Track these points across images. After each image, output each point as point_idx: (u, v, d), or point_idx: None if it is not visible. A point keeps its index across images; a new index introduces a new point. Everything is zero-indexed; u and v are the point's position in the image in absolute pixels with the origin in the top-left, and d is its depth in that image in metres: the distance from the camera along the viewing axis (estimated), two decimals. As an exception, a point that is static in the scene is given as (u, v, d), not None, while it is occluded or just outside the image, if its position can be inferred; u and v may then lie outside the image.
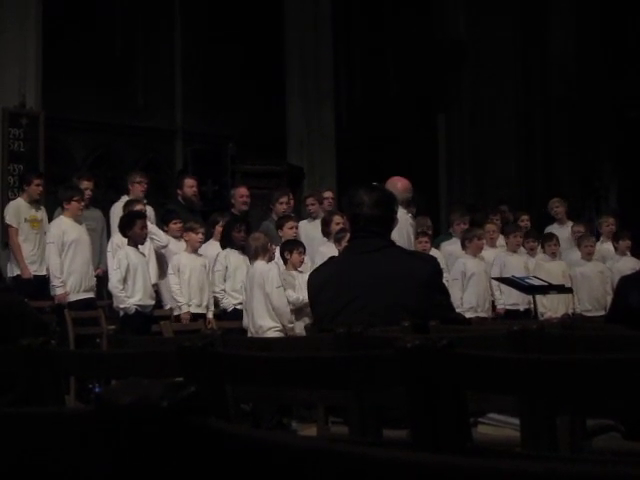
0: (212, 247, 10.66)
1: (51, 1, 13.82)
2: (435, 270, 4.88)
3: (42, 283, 10.55)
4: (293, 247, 9.81)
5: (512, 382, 2.33)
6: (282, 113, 17.43)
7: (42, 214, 11.01)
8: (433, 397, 2.25)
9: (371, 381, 2.77)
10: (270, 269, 9.19)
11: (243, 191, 12.02)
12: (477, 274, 11.31)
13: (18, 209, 10.87)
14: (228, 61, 17.53)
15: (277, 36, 17.48)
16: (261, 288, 9.02)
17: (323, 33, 17.44)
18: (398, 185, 8.53)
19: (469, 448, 2.32)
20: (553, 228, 13.07)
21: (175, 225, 10.71)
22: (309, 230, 11.61)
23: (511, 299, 11.60)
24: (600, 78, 17.43)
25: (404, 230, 8.41)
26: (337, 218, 10.71)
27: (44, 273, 10.52)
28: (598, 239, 12.83)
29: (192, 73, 17.36)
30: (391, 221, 5.03)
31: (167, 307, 10.28)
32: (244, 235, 10.04)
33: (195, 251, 10.28)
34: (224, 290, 10.20)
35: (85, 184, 11.19)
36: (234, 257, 10.15)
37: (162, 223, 10.94)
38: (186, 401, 1.07)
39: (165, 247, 10.47)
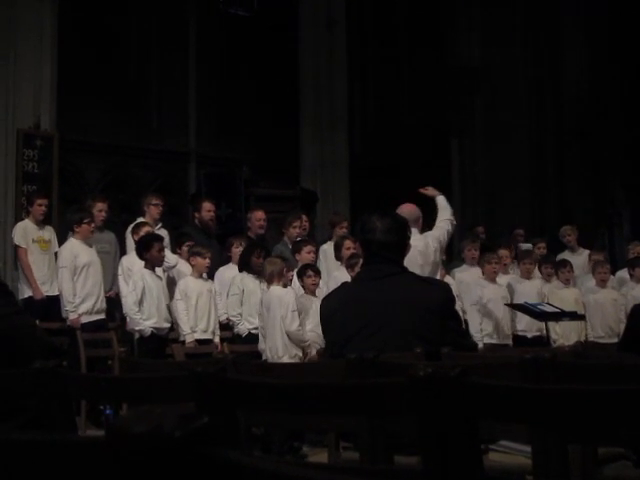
0: (230, 270, 10.58)
1: (67, 24, 13.92)
2: (447, 296, 4.86)
3: (53, 303, 10.48)
4: (302, 273, 9.80)
5: (524, 411, 2.31)
6: (296, 138, 17.45)
7: (50, 234, 11.00)
8: (444, 425, 2.24)
9: (382, 408, 2.76)
10: (287, 293, 9.18)
11: (260, 215, 11.91)
12: (494, 300, 11.23)
13: (25, 230, 10.89)
14: (242, 85, 17.60)
15: (292, 62, 17.54)
16: (278, 312, 9.00)
17: (337, 60, 17.50)
18: (405, 209, 8.47)
19: (480, 477, 2.30)
20: (565, 255, 13.00)
21: (187, 247, 10.65)
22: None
23: (520, 325, 11.53)
24: (613, 105, 17.43)
25: (431, 250, 8.24)
26: (348, 243, 10.67)
27: (55, 293, 10.47)
28: (616, 267, 12.78)
29: (206, 96, 17.42)
30: (404, 247, 5.02)
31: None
32: (263, 260, 9.95)
33: (201, 275, 10.15)
34: (240, 314, 10.10)
35: (99, 206, 11.17)
36: (250, 281, 10.09)
37: (175, 245, 10.92)
38: (199, 432, 1.06)
39: (173, 268, 10.40)
